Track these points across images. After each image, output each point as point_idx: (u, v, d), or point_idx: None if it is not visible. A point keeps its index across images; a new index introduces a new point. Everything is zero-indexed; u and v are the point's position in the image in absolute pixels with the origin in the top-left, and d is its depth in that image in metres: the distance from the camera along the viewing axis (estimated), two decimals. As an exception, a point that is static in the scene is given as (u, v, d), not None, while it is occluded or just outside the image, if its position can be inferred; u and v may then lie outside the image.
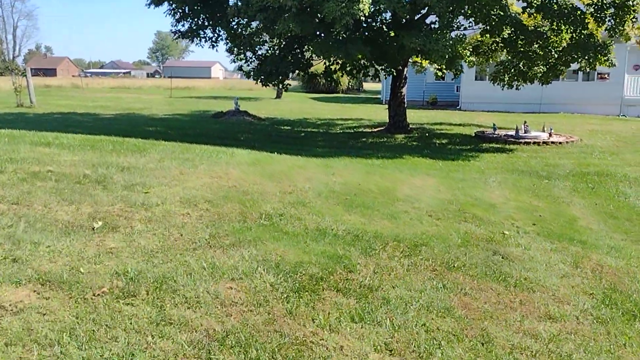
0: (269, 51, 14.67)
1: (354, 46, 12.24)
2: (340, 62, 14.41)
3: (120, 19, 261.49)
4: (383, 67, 13.74)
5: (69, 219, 4.43)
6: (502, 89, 16.60)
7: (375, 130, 18.14)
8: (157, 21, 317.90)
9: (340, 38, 12.23)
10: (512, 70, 15.53)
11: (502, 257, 4.90)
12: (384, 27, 13.76)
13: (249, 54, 15.74)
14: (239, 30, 14.60)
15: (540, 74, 14.84)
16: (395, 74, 15.55)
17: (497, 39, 14.50)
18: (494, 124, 16.80)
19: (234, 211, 5.04)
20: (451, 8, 12.09)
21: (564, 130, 17.02)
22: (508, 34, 14.10)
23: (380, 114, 24.89)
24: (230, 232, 4.52)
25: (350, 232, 4.94)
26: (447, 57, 12.22)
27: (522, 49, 14.19)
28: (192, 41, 13.96)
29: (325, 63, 15.32)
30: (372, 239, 4.82)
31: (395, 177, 7.78)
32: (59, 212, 4.57)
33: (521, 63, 14.54)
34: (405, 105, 17.52)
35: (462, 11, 12.87)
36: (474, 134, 16.75)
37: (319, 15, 11.76)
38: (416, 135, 16.80)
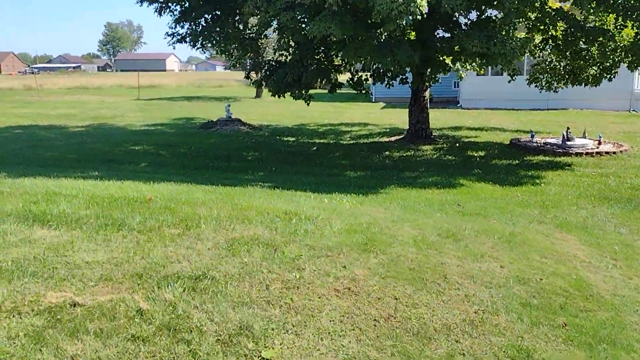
0: (286, 57, 12.23)
1: (400, 51, 10.04)
2: (375, 68, 12.16)
3: (67, 10, 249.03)
4: (425, 72, 11.58)
5: None
6: (540, 91, 14.76)
7: (394, 139, 16.02)
8: (106, 12, 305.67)
9: (383, 40, 10.01)
10: (558, 72, 13.66)
11: None
12: (428, 27, 11.57)
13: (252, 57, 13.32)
14: (246, 31, 12.15)
15: (591, 76, 13.00)
16: (428, 76, 13.43)
17: (546, 36, 12.55)
18: (531, 131, 14.94)
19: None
20: (517, 4, 10.04)
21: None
22: (562, 31, 12.16)
23: (383, 116, 22.77)
24: None
25: None
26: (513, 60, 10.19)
27: (574, 48, 12.29)
28: (194, 46, 11.42)
29: (352, 69, 13.03)
30: None
31: (541, 247, 5.63)
32: None
33: (575, 63, 12.64)
34: (428, 110, 15.44)
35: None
36: (509, 142, 14.84)
37: (364, 14, 9.51)
38: (444, 146, 14.74)
